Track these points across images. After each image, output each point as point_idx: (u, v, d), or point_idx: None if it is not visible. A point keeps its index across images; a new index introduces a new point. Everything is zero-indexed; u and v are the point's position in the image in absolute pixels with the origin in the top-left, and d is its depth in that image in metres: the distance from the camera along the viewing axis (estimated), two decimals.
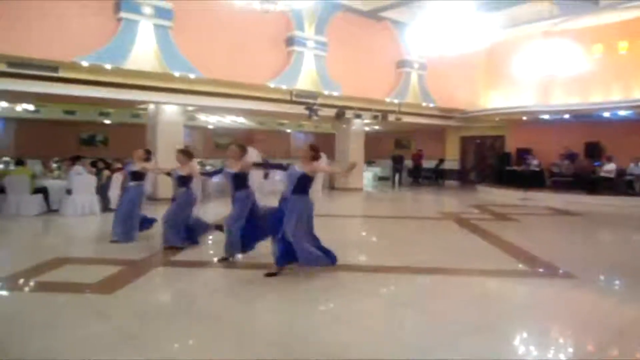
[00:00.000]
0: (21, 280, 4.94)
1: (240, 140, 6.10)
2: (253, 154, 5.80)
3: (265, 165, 5.89)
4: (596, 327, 3.90)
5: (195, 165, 6.64)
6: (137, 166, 7.00)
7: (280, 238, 5.02)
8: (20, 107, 14.67)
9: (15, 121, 16.42)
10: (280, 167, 5.46)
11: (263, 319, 3.91)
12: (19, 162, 10.46)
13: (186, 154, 6.52)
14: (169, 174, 6.75)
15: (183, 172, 6.39)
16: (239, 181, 5.67)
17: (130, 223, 6.93)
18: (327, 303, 4.38)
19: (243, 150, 5.71)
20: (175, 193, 6.63)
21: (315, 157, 5.10)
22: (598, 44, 14.59)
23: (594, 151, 15.18)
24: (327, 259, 5.22)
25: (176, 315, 4.00)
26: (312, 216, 5.19)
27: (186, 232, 6.49)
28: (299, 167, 5.06)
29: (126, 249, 6.58)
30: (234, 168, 5.65)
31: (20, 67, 9.31)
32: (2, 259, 6.19)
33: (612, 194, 13.15)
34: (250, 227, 5.72)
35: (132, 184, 7.08)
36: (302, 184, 5.04)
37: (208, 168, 12.33)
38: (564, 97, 15.47)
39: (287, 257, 5.06)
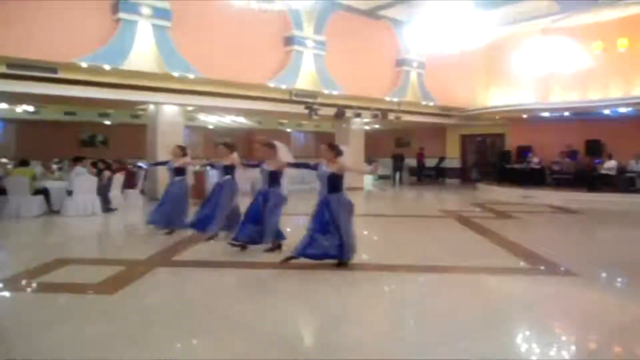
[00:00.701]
0: (23, 281, 4.95)
1: (270, 139, 6.53)
2: (285, 152, 6.20)
3: (297, 165, 6.22)
4: (598, 325, 3.90)
5: (236, 157, 7.08)
6: (178, 162, 7.59)
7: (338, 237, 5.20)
8: (20, 109, 14.67)
9: (15, 122, 16.43)
10: (308, 166, 5.79)
11: (266, 319, 3.91)
12: (23, 163, 10.46)
13: (228, 146, 7.12)
14: (212, 165, 7.40)
15: (226, 162, 6.98)
16: (274, 178, 6.09)
17: (175, 212, 7.45)
18: (329, 302, 4.38)
19: (273, 148, 6.13)
20: (219, 181, 7.11)
21: (338, 155, 5.34)
22: (597, 41, 14.57)
23: (594, 149, 15.18)
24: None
25: (178, 315, 4.00)
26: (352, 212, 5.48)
27: (226, 220, 6.98)
28: (326, 167, 5.31)
29: (128, 248, 6.59)
30: (270, 166, 6.07)
31: (20, 69, 9.31)
32: (3, 260, 6.19)
33: (613, 192, 13.14)
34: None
35: (176, 178, 7.64)
36: (334, 183, 5.29)
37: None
38: (563, 94, 15.47)
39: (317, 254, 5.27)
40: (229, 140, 7.58)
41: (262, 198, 6.07)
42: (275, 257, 6.06)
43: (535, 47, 14.42)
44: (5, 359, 3.14)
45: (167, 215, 7.40)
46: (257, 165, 6.36)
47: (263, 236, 5.96)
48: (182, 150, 7.69)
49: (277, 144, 6.18)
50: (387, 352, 3.29)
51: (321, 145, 5.54)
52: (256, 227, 5.95)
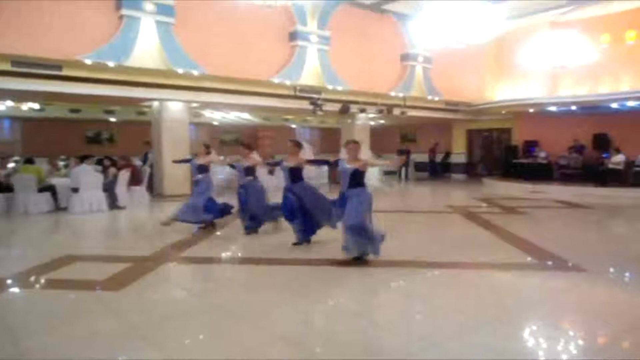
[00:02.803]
0: (32, 278, 4.96)
1: (294, 138, 7.16)
2: (308, 150, 6.44)
3: (316, 162, 6.42)
4: (606, 320, 3.85)
5: (257, 157, 7.29)
6: (202, 160, 7.69)
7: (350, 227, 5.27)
8: (25, 106, 14.72)
9: (21, 120, 16.50)
10: (327, 163, 6.04)
11: (274, 314, 3.89)
12: (29, 161, 10.48)
13: (247, 146, 7.25)
14: (232, 165, 7.56)
15: (248, 163, 7.10)
16: (295, 175, 6.27)
17: (201, 208, 7.51)
18: (337, 298, 4.37)
19: (298, 146, 6.40)
20: (240, 181, 7.22)
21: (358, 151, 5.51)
22: (605, 34, 14.40)
23: (602, 143, 15.02)
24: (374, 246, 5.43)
25: (186, 311, 4.00)
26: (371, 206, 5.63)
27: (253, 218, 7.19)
28: (348, 164, 5.43)
29: (136, 245, 6.60)
30: (291, 162, 6.25)
31: (24, 66, 9.33)
32: (13, 256, 6.22)
33: (621, 186, 13.01)
34: (309, 217, 6.25)
35: (200, 176, 7.71)
36: (357, 179, 5.45)
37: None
38: (571, 88, 15.31)
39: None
40: (241, 138, 7.84)
41: (290, 194, 6.25)
42: (282, 253, 6.06)
43: (543, 40, 14.26)
44: (13, 355, 3.15)
45: (193, 213, 7.48)
46: (277, 164, 6.65)
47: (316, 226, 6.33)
48: (206, 149, 7.87)
49: (304, 143, 6.50)
50: (395, 348, 3.26)
51: (349, 143, 5.62)
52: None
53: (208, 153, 7.81)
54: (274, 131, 21.24)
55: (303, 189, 6.24)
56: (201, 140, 19.52)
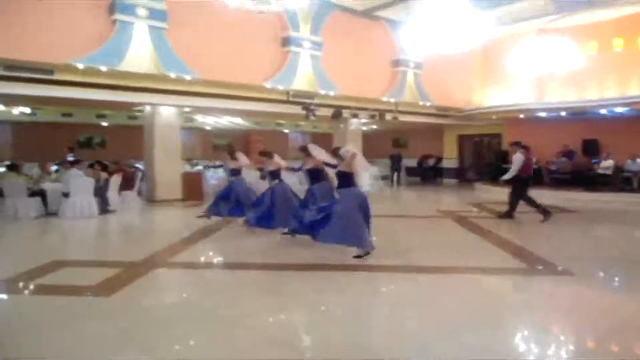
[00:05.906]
0: (21, 283, 4.93)
1: (304, 144, 7.44)
2: (322, 152, 6.75)
3: (329, 165, 6.68)
4: (595, 323, 3.91)
5: (280, 161, 7.71)
6: (234, 165, 8.37)
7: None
8: (17, 110, 14.62)
9: (12, 124, 16.37)
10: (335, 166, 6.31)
11: (266, 319, 3.91)
12: (11, 167, 10.14)
13: (267, 154, 7.72)
14: (261, 169, 8.16)
15: (271, 167, 7.56)
16: (315, 176, 6.83)
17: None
18: (327, 303, 4.38)
19: (306, 151, 6.85)
20: (270, 185, 7.67)
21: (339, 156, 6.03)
22: (593, 41, 14.60)
23: (591, 148, 15.22)
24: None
25: (176, 316, 3.99)
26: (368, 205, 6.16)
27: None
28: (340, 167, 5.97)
29: (126, 250, 6.58)
30: (308, 165, 6.86)
31: (15, 70, 9.26)
32: (1, 261, 6.16)
33: (610, 191, 13.17)
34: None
35: (233, 178, 8.44)
36: (344, 180, 5.97)
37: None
38: (560, 94, 15.50)
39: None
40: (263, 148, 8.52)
41: (310, 195, 6.83)
42: (273, 258, 6.06)
43: (532, 47, 14.42)
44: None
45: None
46: (299, 169, 7.11)
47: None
48: (231, 153, 8.49)
49: (310, 146, 6.94)
50: (385, 352, 3.29)
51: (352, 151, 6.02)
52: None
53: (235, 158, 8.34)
54: (265, 136, 21.24)
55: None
56: (194, 144, 19.55)
